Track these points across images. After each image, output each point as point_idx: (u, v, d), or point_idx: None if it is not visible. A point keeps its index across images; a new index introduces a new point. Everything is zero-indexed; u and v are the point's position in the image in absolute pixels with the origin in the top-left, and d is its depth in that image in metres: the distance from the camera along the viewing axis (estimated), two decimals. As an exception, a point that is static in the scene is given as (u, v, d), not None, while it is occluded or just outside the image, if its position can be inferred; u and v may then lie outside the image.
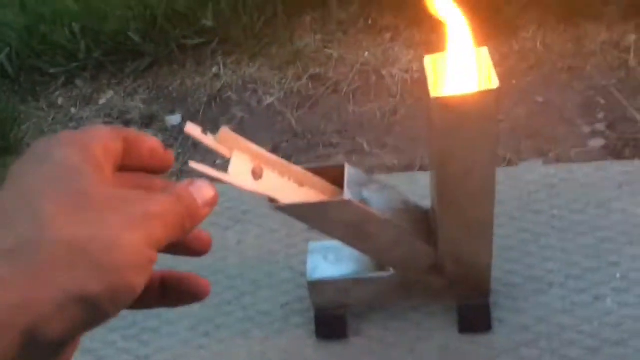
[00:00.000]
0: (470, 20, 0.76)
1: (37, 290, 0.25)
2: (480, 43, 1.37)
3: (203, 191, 0.32)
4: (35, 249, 0.26)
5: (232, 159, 0.57)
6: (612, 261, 1.00)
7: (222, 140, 0.53)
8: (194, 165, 0.47)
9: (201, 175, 0.40)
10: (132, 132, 0.33)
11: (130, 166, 0.34)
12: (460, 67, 0.70)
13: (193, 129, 0.51)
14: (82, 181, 0.28)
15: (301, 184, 0.78)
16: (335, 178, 0.80)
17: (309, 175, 0.73)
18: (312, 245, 0.97)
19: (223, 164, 0.51)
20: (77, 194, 0.27)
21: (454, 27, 0.67)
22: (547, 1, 1.47)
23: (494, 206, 0.79)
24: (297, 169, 0.70)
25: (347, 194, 0.77)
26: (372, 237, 0.84)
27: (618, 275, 0.98)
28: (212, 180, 0.39)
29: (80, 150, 0.29)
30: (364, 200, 0.81)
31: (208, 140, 0.54)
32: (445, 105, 0.68)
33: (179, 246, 0.34)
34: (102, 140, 0.31)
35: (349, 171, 0.81)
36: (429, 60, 0.72)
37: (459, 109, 0.68)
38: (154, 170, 0.35)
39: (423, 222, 0.87)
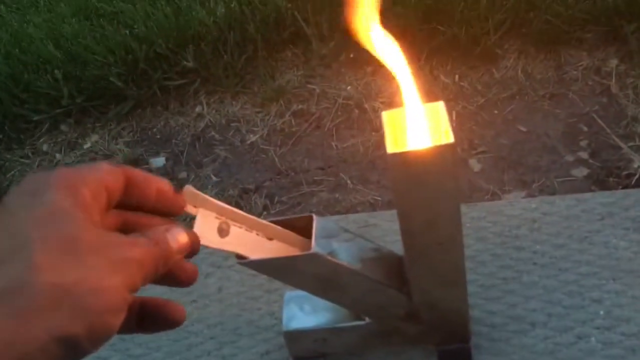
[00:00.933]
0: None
1: (23, 332, 0.26)
2: (458, 73, 1.38)
3: (178, 238, 0.35)
4: (24, 292, 0.27)
5: (197, 217, 0.57)
6: (595, 298, 0.98)
7: (187, 198, 0.53)
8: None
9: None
10: (140, 173, 0.35)
11: (133, 204, 0.35)
12: (418, 122, 0.69)
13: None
14: (70, 225, 0.29)
15: (270, 238, 0.77)
16: (304, 229, 0.79)
17: (278, 228, 0.72)
18: (288, 295, 0.96)
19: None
20: (65, 238, 0.29)
21: (406, 83, 0.67)
22: (526, 29, 1.47)
23: (463, 254, 0.78)
24: (265, 223, 0.69)
25: (315, 247, 0.77)
26: (344, 289, 0.83)
27: (602, 313, 0.96)
28: None
29: (70, 194, 0.30)
30: (333, 252, 0.80)
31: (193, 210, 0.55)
32: (402, 160, 0.67)
33: (166, 278, 0.36)
34: (96, 180, 0.32)
35: (317, 223, 0.80)
36: (387, 116, 0.71)
37: (416, 165, 0.67)
38: (164, 212, 0.37)
39: (396, 269, 0.86)
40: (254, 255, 0.71)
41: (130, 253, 0.31)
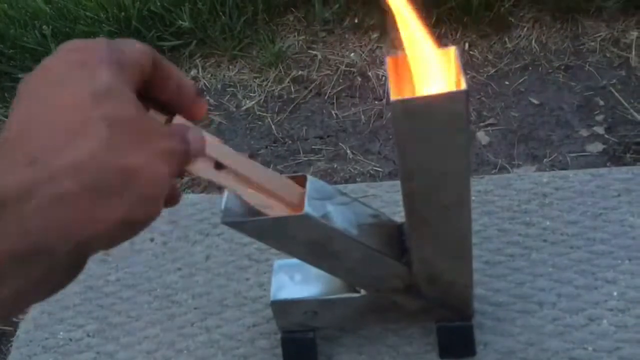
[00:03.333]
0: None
1: (98, 212, 0.27)
2: (468, 42, 1.29)
3: (198, 138, 0.35)
4: (95, 171, 0.27)
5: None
6: (609, 278, 0.91)
7: None
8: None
9: None
10: (165, 61, 0.34)
11: (152, 93, 0.34)
12: (427, 68, 0.62)
13: (155, 116, 0.47)
14: (127, 108, 0.29)
15: (269, 195, 0.70)
16: (296, 189, 0.73)
17: (278, 178, 0.66)
18: (278, 263, 0.89)
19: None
20: (124, 121, 0.28)
21: (414, 26, 0.59)
22: (542, -4, 1.39)
23: (471, 221, 0.71)
24: (265, 175, 0.63)
25: (307, 208, 0.69)
26: (338, 256, 0.76)
27: (615, 294, 0.89)
28: None
29: (118, 71, 0.29)
30: (326, 215, 0.73)
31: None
32: (407, 109, 0.60)
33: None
34: (134, 58, 0.31)
35: (310, 183, 0.73)
36: (392, 61, 0.64)
37: (423, 114, 0.60)
38: (181, 111, 0.36)
39: (396, 238, 0.79)
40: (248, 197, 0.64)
41: (173, 144, 0.31)
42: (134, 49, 0.31)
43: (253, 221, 0.70)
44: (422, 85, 0.61)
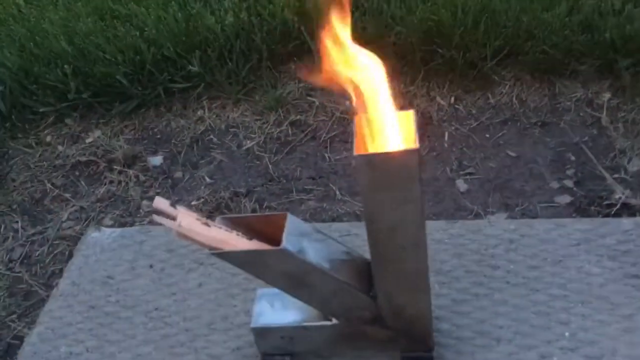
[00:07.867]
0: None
1: None
2: (454, 96, 1.39)
3: None
4: None
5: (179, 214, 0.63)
6: (562, 320, 1.00)
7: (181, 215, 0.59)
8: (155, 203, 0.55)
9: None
10: None
11: None
12: (388, 127, 0.73)
13: (162, 203, 0.58)
14: None
15: (250, 238, 0.82)
16: (279, 226, 0.83)
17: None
18: (260, 291, 0.99)
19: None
20: None
21: (377, 91, 0.70)
22: (523, 57, 1.50)
23: (427, 261, 0.80)
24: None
25: (285, 243, 0.80)
26: (311, 288, 0.86)
27: (567, 334, 0.98)
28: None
29: None
30: (302, 250, 0.83)
31: (174, 211, 0.61)
32: (367, 162, 0.70)
33: None
34: None
35: (289, 220, 0.84)
36: (359, 120, 0.75)
37: (381, 167, 0.70)
38: None
39: (365, 273, 0.89)
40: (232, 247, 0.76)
41: None
42: None
43: (236, 252, 0.80)
44: (383, 142, 0.72)
